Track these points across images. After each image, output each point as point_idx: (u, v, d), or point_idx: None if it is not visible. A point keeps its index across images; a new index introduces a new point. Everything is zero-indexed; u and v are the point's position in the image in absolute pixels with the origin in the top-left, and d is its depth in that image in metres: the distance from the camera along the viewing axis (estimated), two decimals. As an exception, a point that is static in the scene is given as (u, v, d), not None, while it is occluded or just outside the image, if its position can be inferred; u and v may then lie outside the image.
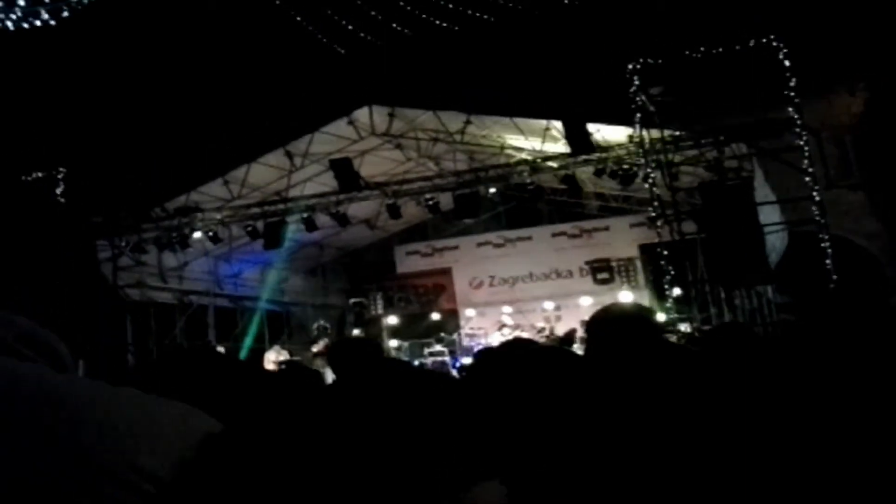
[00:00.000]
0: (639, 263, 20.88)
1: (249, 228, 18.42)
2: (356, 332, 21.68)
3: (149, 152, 16.02)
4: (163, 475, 1.03)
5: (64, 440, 1.01)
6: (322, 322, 21.38)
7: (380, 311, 22.92)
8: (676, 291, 15.51)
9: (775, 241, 15.01)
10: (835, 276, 13.20)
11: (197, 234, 18.43)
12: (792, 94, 12.91)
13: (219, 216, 18.34)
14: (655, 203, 14.55)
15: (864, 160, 13.56)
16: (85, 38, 14.85)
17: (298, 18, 13.54)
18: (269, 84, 14.94)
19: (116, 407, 1.08)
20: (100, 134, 15.45)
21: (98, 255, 17.90)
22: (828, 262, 13.17)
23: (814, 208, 13.34)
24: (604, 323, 2.65)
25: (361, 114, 17.04)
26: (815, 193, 13.30)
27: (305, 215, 18.23)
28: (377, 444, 1.36)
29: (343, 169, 16.70)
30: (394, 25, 13.52)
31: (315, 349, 17.14)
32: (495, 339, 17.58)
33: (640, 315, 2.82)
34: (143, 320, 19.37)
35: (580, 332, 18.33)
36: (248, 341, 20.91)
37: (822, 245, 13.28)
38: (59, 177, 15.92)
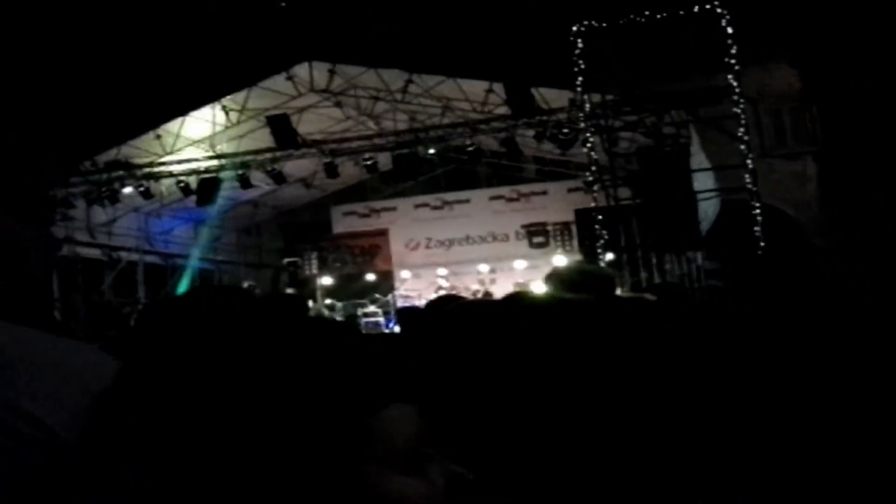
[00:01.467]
0: (574, 228, 21.10)
1: (182, 184, 18.04)
2: (289, 292, 21.48)
3: (77, 102, 15.46)
4: (50, 422, 0.98)
5: None
6: (252, 283, 21.16)
7: (314, 271, 22.73)
8: (609, 256, 15.69)
9: (707, 209, 15.25)
10: (762, 244, 13.49)
11: (127, 190, 17.98)
12: (732, 61, 13.05)
13: (150, 171, 17.89)
14: (593, 168, 14.63)
15: (802, 130, 13.88)
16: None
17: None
18: (206, 35, 14.50)
19: (6, 351, 1.04)
20: (26, 83, 14.84)
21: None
22: (757, 230, 13.43)
23: (746, 177, 13.54)
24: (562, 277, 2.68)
25: (301, 69, 16.73)
26: (748, 162, 13.51)
27: (240, 172, 17.91)
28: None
29: (280, 126, 16.44)
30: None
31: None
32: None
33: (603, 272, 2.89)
34: (71, 276, 18.88)
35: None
36: (178, 299, 20.54)
37: (753, 213, 13.53)
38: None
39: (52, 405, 0.99)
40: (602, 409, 1.70)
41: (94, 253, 19.63)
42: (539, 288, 18.68)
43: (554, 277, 2.70)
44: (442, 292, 18.62)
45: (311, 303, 19.97)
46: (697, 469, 1.72)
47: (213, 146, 18.19)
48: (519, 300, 2.20)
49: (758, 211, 13.55)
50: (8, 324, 1.07)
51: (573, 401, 1.70)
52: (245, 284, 20.89)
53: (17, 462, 0.94)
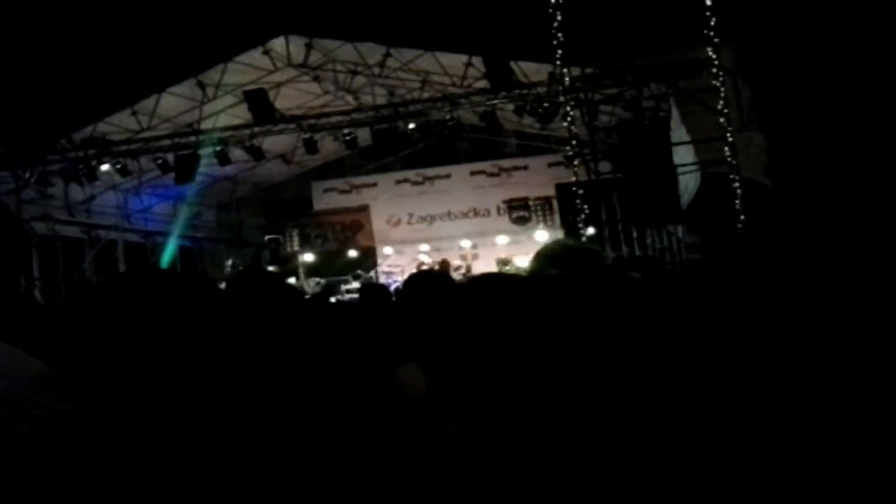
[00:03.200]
0: (555, 203, 21.08)
1: (160, 161, 17.85)
2: (271, 269, 21.40)
3: (53, 80, 15.25)
4: None
5: None
6: (235, 259, 21.06)
7: (296, 248, 22.65)
8: (590, 231, 15.70)
9: (688, 182, 15.26)
10: (742, 217, 13.51)
11: (105, 167, 17.80)
12: (711, 34, 13.01)
13: (127, 148, 17.71)
14: (573, 142, 14.59)
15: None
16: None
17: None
18: (180, 9, 14.32)
19: None
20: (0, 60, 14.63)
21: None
22: (737, 203, 13.45)
23: (726, 149, 13.56)
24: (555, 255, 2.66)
25: (277, 43, 16.55)
26: (728, 135, 13.52)
27: (218, 148, 17.75)
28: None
29: (258, 101, 16.28)
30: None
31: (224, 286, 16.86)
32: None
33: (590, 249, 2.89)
34: (51, 255, 18.77)
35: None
36: (159, 277, 20.45)
37: (733, 186, 13.54)
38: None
39: None
40: (578, 388, 1.72)
41: (74, 231, 19.53)
42: (522, 262, 18.73)
43: (542, 255, 2.69)
44: (423, 268, 18.63)
45: (292, 280, 19.94)
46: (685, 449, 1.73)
47: (189, 122, 17.99)
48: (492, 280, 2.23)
49: (737, 184, 13.56)
50: None
51: (545, 376, 1.73)
52: (229, 262, 20.83)
53: None
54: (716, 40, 13.14)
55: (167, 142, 17.72)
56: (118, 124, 17.44)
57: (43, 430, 1.09)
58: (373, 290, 3.87)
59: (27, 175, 17.37)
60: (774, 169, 13.58)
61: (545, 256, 2.57)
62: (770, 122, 13.48)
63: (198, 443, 1.35)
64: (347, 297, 18.74)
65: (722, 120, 13.52)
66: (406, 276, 17.24)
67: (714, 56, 13.20)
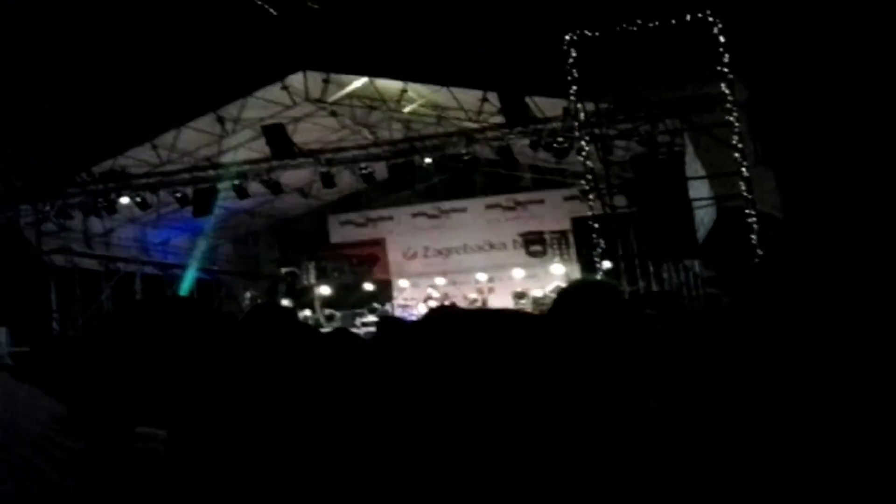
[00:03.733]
0: (571, 236, 21.09)
1: (178, 195, 18.05)
2: (286, 302, 21.46)
3: (75, 115, 15.50)
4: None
5: None
6: (253, 293, 21.17)
7: (312, 280, 22.69)
8: (606, 265, 15.68)
9: (703, 216, 15.24)
10: (759, 252, 13.47)
11: (124, 200, 17.99)
12: (725, 69, 13.08)
13: (147, 181, 17.91)
14: (588, 176, 14.65)
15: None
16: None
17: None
18: (200, 46, 14.54)
19: None
20: (23, 95, 14.88)
21: (20, 220, 17.43)
22: (753, 237, 13.42)
23: (741, 184, 13.56)
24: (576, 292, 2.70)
25: (295, 79, 16.76)
26: (743, 169, 13.53)
27: (237, 182, 17.92)
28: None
29: (276, 135, 16.46)
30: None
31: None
32: (423, 311, 17.69)
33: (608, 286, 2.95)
34: (69, 287, 18.92)
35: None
36: (176, 310, 20.55)
37: (749, 221, 13.52)
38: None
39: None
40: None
41: (92, 264, 19.68)
42: (538, 295, 18.68)
43: (561, 294, 2.76)
44: (432, 303, 18.63)
45: (308, 312, 19.99)
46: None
47: (208, 156, 18.19)
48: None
49: (754, 219, 13.54)
50: None
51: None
52: (247, 296, 20.93)
53: None
54: (729, 76, 13.21)
55: (186, 175, 17.94)
56: (138, 158, 17.66)
57: (59, 468, 1.14)
58: (389, 324, 3.89)
59: (47, 208, 17.58)
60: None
61: (564, 295, 2.62)
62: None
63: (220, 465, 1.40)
64: (363, 330, 18.75)
65: (737, 154, 13.54)
66: (419, 309, 17.31)
67: (728, 91, 13.26)
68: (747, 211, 13.64)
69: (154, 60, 15.02)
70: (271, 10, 13.12)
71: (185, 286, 21.52)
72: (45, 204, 17.56)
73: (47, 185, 17.26)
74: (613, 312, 2.51)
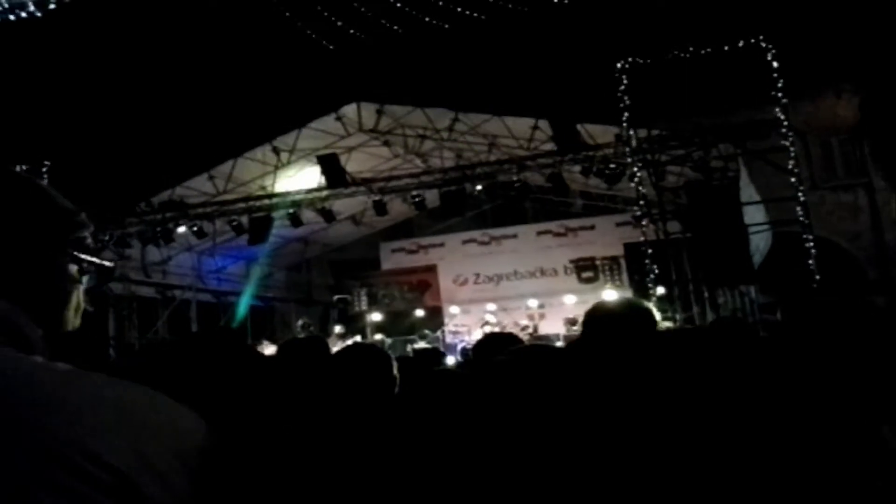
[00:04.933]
0: (623, 262, 20.96)
1: (234, 223, 18.37)
2: (338, 328, 21.59)
3: (134, 147, 15.90)
4: (117, 464, 0.91)
5: (11, 419, 0.91)
6: (306, 319, 21.34)
7: (364, 307, 22.87)
8: (660, 290, 15.56)
9: (759, 242, 15.09)
10: (817, 277, 13.27)
11: (181, 229, 18.36)
12: (779, 94, 12.99)
13: (203, 211, 18.26)
14: (641, 202, 14.59)
15: (852, 161, 13.72)
16: (71, 30, 14.72)
17: (287, 13, 13.50)
18: (258, 79, 14.86)
19: (73, 388, 0.98)
20: (85, 127, 15.32)
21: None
22: (811, 262, 13.23)
23: (798, 209, 13.39)
24: (604, 316, 2.64)
25: (349, 110, 17.03)
26: (799, 194, 13.38)
27: (291, 211, 18.18)
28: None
29: (330, 165, 16.68)
30: (383, 22, 13.50)
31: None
32: (477, 337, 17.66)
33: (638, 308, 2.88)
34: (126, 314, 19.28)
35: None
36: (231, 337, 20.80)
37: (806, 246, 13.33)
38: (44, 170, 15.78)
39: (134, 459, 0.93)
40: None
41: (149, 291, 20.04)
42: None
43: (589, 318, 2.73)
44: (487, 328, 18.58)
45: (359, 338, 20.10)
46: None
47: (263, 186, 18.50)
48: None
49: (811, 244, 13.36)
50: (83, 371, 1.02)
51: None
52: (300, 323, 21.13)
53: (76, 497, 0.88)
54: (783, 101, 13.11)
55: (242, 205, 18.25)
56: (195, 188, 18.04)
57: None
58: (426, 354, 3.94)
59: (106, 237, 17.98)
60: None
61: (592, 321, 2.57)
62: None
63: None
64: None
65: (793, 179, 13.39)
66: (472, 335, 17.29)
67: (783, 116, 13.15)
68: (804, 236, 13.44)
69: (213, 92, 15.37)
70: (327, 45, 13.35)
71: (240, 313, 21.82)
72: (104, 233, 17.95)
73: (107, 215, 17.66)
74: (645, 337, 2.46)
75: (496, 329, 17.78)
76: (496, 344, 3.35)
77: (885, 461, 1.92)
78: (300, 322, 20.80)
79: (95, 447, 0.90)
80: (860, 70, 12.82)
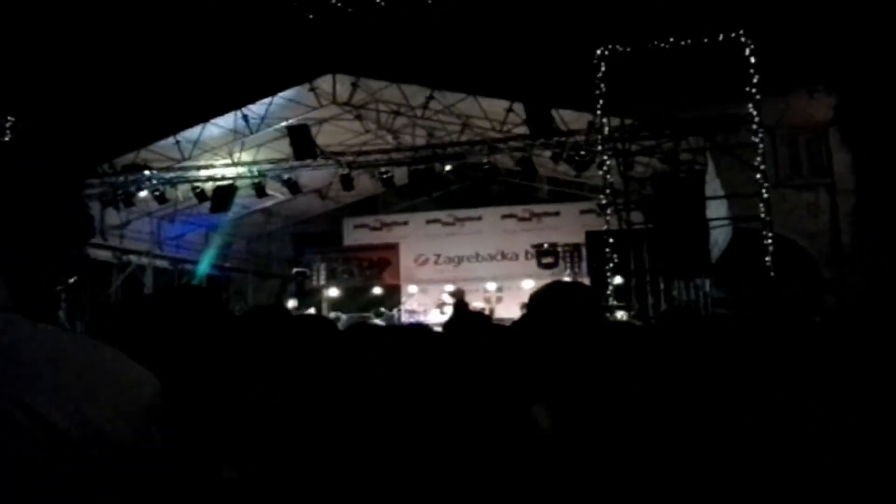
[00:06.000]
0: (584, 250, 21.13)
1: (198, 191, 18.14)
2: (292, 302, 21.51)
3: (100, 106, 15.58)
4: (55, 420, 0.94)
5: None
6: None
7: (322, 282, 22.77)
8: (617, 280, 15.73)
9: (718, 236, 15.34)
10: (772, 274, 13.54)
11: (143, 193, 18.08)
12: (753, 90, 13.21)
13: (167, 176, 17.99)
14: (607, 191, 14.70)
15: (817, 161, 14.05)
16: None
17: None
18: (233, 44, 14.67)
19: (23, 344, 1.01)
20: (50, 87, 14.97)
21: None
22: (767, 259, 13.48)
23: (760, 206, 13.62)
24: (549, 299, 2.60)
25: (324, 81, 16.84)
26: (763, 191, 13.63)
27: (256, 181, 18.02)
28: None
29: (300, 136, 16.53)
30: (366, -7, 13.47)
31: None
32: (434, 318, 17.78)
33: (584, 292, 2.83)
34: (79, 277, 18.90)
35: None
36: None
37: (765, 243, 13.58)
38: (7, 126, 15.39)
39: (69, 410, 0.95)
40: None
41: (105, 255, 19.68)
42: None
43: (534, 300, 2.61)
44: (446, 308, 18.66)
45: (312, 311, 20.04)
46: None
47: (230, 153, 18.28)
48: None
49: (769, 241, 13.63)
50: (35, 323, 1.05)
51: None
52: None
53: (14, 455, 0.91)
54: (757, 97, 13.35)
55: (206, 172, 18.02)
56: (160, 152, 17.74)
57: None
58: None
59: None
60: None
61: (534, 301, 2.55)
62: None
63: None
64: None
65: (758, 176, 13.65)
66: (428, 315, 17.36)
67: (754, 112, 13.39)
68: (764, 233, 13.71)
69: (184, 55, 15.14)
70: (308, 13, 13.24)
71: (195, 281, 21.58)
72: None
73: (67, 175, 17.25)
74: (588, 318, 2.43)
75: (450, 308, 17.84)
76: (467, 324, 3.36)
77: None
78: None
79: (35, 403, 0.93)
80: (836, 70, 13.11)
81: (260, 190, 18.17)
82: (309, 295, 22.44)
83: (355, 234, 23.51)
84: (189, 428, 1.21)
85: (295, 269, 23.16)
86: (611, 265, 14.99)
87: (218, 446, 1.54)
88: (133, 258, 20.32)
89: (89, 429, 0.96)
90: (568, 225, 21.46)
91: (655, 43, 13.16)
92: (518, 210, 22.16)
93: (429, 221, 22.78)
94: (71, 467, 0.94)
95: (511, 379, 2.26)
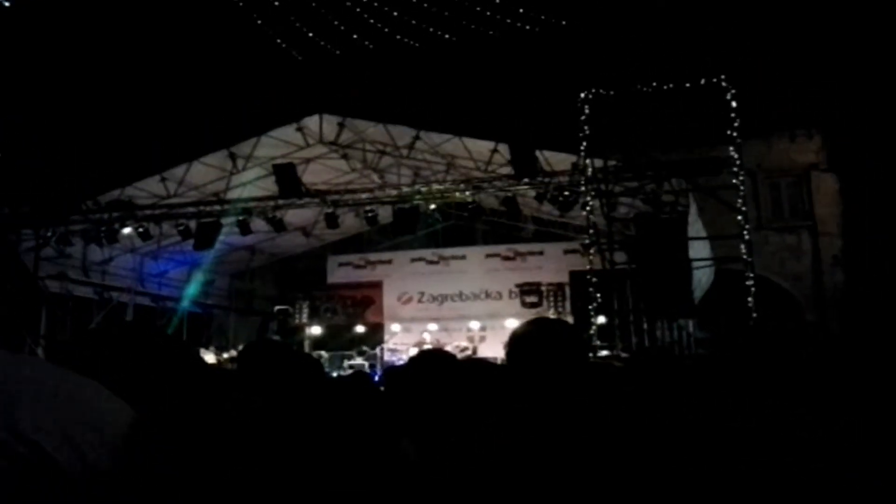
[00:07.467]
0: (568, 290, 21.23)
1: (182, 227, 18.08)
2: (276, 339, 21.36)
3: (85, 143, 15.58)
4: (49, 449, 1.01)
5: None
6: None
7: (304, 320, 22.69)
8: (601, 319, 15.74)
9: (701, 277, 15.39)
10: (755, 315, 13.61)
11: (126, 230, 18.00)
12: (734, 134, 13.41)
13: (152, 213, 17.93)
14: (591, 231, 14.78)
15: (799, 204, 14.23)
16: (27, 25, 14.43)
17: (259, 21, 13.48)
18: (222, 84, 14.77)
19: (9, 370, 1.08)
20: (39, 122, 14.98)
21: (21, 244, 17.28)
22: (750, 300, 13.56)
23: (742, 247, 13.73)
24: (530, 337, 2.49)
25: (311, 121, 16.94)
26: (745, 233, 13.75)
27: (241, 218, 17.99)
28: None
29: (286, 174, 16.54)
30: (355, 36, 13.58)
31: (226, 355, 17.10)
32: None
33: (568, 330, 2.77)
34: (60, 314, 18.73)
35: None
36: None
37: (747, 284, 13.66)
38: (-7, 162, 15.36)
39: (55, 436, 1.01)
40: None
41: (87, 291, 19.55)
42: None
43: (516, 337, 2.46)
44: (426, 347, 18.61)
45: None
46: None
47: (216, 192, 18.27)
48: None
49: (752, 282, 13.72)
50: (19, 355, 1.13)
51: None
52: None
53: (8, 482, 0.97)
54: (738, 140, 13.55)
55: (192, 209, 17.99)
56: (146, 189, 17.70)
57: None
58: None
59: (48, 234, 17.50)
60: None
61: (515, 338, 2.45)
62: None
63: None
64: (350, 372, 18.66)
65: (740, 218, 13.79)
66: (408, 354, 17.32)
67: (736, 155, 13.57)
68: (746, 274, 13.79)
69: (173, 95, 15.20)
70: (296, 55, 13.37)
71: (176, 319, 21.45)
72: (46, 230, 17.47)
73: (52, 211, 17.18)
74: (573, 358, 2.36)
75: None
76: (432, 363, 3.18)
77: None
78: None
79: (19, 424, 1.01)
80: (820, 113, 13.34)
81: (244, 227, 18.13)
82: (291, 333, 22.32)
83: (339, 272, 23.47)
84: (168, 451, 1.25)
85: (277, 307, 23.07)
86: (594, 305, 15.00)
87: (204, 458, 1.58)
88: (115, 295, 20.17)
89: (76, 454, 1.03)
90: (551, 264, 21.55)
91: (638, 86, 13.36)
92: (502, 249, 22.22)
93: (413, 260, 22.80)
94: (60, 491, 1.00)
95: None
